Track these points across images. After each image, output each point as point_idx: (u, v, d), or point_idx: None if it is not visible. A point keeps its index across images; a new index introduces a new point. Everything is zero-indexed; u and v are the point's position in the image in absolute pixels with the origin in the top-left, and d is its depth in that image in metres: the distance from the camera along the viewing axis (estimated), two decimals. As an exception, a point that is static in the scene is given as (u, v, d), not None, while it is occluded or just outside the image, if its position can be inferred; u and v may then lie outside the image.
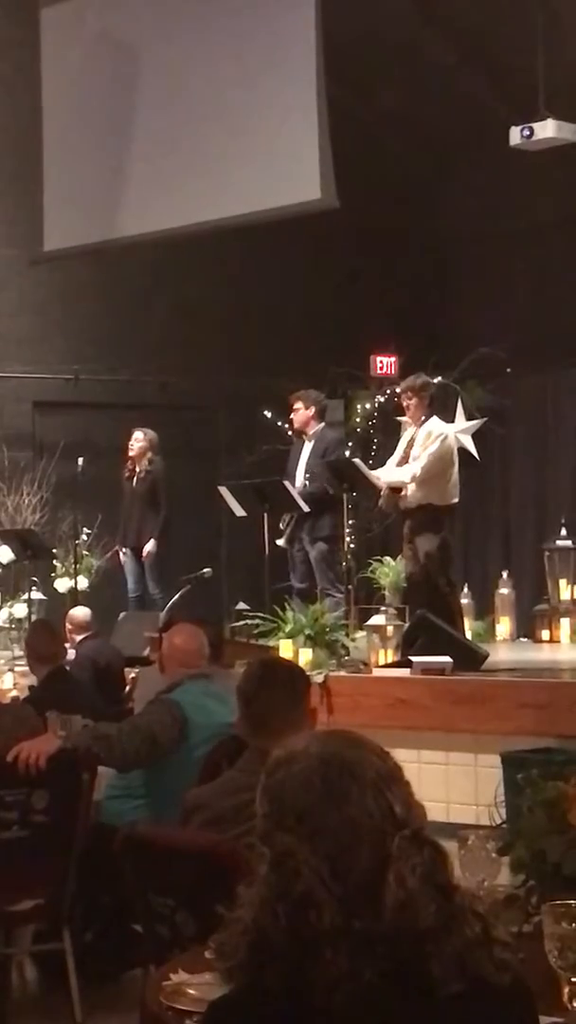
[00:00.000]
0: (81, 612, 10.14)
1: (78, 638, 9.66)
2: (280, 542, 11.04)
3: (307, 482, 10.99)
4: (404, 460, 10.26)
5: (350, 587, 10.79)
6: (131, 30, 13.06)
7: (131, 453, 12.59)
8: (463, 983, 1.88)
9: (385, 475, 10.15)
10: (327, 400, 12.10)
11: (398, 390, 11.12)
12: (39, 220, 13.65)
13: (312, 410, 11.35)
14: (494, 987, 1.91)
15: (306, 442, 11.37)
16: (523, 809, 3.17)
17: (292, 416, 11.48)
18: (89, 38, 13.34)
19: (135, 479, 12.55)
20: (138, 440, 12.60)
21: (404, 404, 10.46)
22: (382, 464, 10.73)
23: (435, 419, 10.37)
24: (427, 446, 10.08)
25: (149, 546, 12.29)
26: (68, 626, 9.40)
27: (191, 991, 2.65)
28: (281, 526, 11.02)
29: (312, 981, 1.85)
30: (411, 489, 10.06)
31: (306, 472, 11.08)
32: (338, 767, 1.97)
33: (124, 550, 12.55)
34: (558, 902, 2.45)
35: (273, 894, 1.89)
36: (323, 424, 11.50)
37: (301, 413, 11.34)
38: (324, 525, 10.97)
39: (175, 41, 12.62)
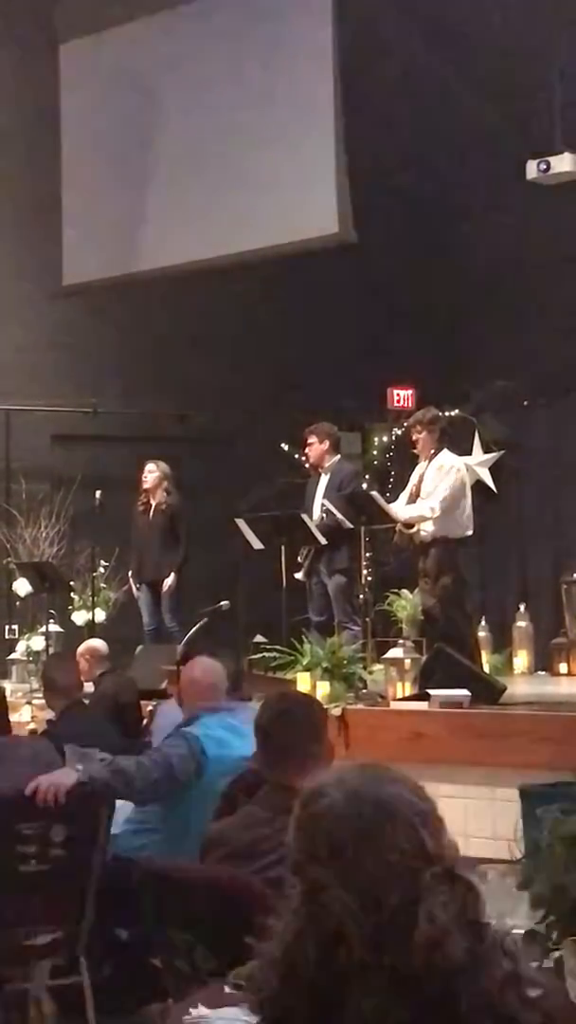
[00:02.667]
0: (99, 644, 10.13)
1: (96, 672, 9.64)
2: (299, 575, 11.05)
3: (324, 515, 11.00)
4: (415, 493, 10.26)
5: (367, 620, 10.78)
6: (149, 66, 13.15)
7: (145, 485, 12.60)
8: (492, 1021, 1.87)
9: (404, 512, 10.12)
10: (343, 433, 12.13)
11: (408, 424, 11.13)
12: (58, 254, 13.73)
13: (327, 443, 11.39)
14: None
15: (322, 475, 11.40)
16: (541, 844, 3.16)
17: (307, 451, 11.51)
18: (107, 74, 13.43)
19: (151, 511, 12.55)
20: (151, 472, 12.61)
21: (414, 438, 10.46)
22: (398, 497, 10.73)
23: (446, 452, 10.37)
24: (441, 479, 10.08)
25: (169, 580, 12.28)
26: (87, 658, 9.39)
27: (210, 1026, 2.64)
28: (299, 559, 11.03)
29: (340, 1016, 1.84)
30: (427, 523, 10.06)
31: (322, 505, 11.10)
32: (372, 802, 1.96)
33: (138, 584, 12.53)
34: (578, 938, 2.44)
35: (304, 927, 1.89)
36: (338, 457, 11.53)
37: (316, 447, 11.38)
38: (342, 558, 10.99)
39: (193, 76, 12.70)
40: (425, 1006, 1.85)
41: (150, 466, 12.65)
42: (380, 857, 1.91)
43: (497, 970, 1.89)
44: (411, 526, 10.06)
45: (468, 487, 10.38)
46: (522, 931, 2.93)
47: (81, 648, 9.49)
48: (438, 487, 10.04)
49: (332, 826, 1.95)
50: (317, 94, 11.68)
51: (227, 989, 2.91)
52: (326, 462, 11.36)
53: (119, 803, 5.65)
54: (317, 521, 10.98)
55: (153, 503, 12.57)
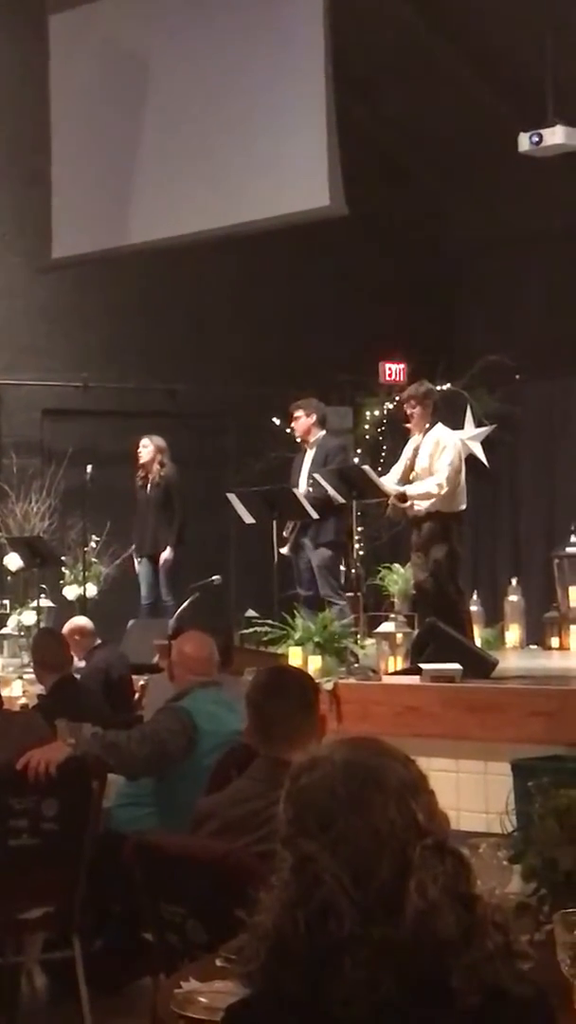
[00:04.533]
0: (83, 621, 10.11)
1: (87, 647, 9.63)
2: (283, 550, 11.03)
3: (310, 489, 10.98)
4: (410, 468, 10.24)
5: (359, 594, 10.78)
6: (139, 38, 13.08)
7: (141, 460, 12.59)
8: (482, 995, 1.86)
9: (411, 490, 10.09)
10: (334, 407, 12.12)
11: (401, 398, 11.11)
12: (47, 228, 13.66)
13: (313, 418, 11.38)
14: (514, 999, 1.90)
15: (307, 450, 11.39)
16: (534, 817, 3.16)
17: (293, 425, 11.50)
18: (97, 45, 13.35)
19: (148, 486, 12.55)
20: (145, 447, 12.60)
21: (408, 412, 10.43)
22: (390, 471, 10.72)
23: (440, 426, 10.35)
24: (440, 455, 10.06)
25: (166, 553, 12.29)
26: (76, 637, 9.37)
27: (202, 999, 2.64)
28: (284, 534, 11.02)
29: (330, 989, 1.84)
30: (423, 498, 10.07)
31: (309, 479, 11.08)
32: (362, 775, 1.96)
33: (139, 558, 12.55)
34: (570, 910, 2.44)
35: (294, 900, 1.89)
36: (324, 432, 11.51)
37: (302, 421, 11.37)
38: (328, 531, 10.97)
39: (183, 49, 12.63)
40: (415, 979, 1.85)
41: (144, 441, 12.65)
42: (370, 829, 1.91)
43: (488, 943, 1.89)
44: (406, 500, 10.04)
45: (463, 462, 10.37)
46: (514, 903, 2.93)
47: (67, 629, 9.47)
48: (439, 463, 10.02)
49: (322, 798, 1.95)
50: (308, 67, 11.61)
51: (218, 963, 2.90)
52: (312, 437, 11.35)
53: (111, 777, 5.65)
54: (303, 495, 10.96)
55: (150, 478, 12.56)
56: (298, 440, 11.70)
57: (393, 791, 1.95)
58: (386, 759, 2.00)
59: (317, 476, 10.85)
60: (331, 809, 1.93)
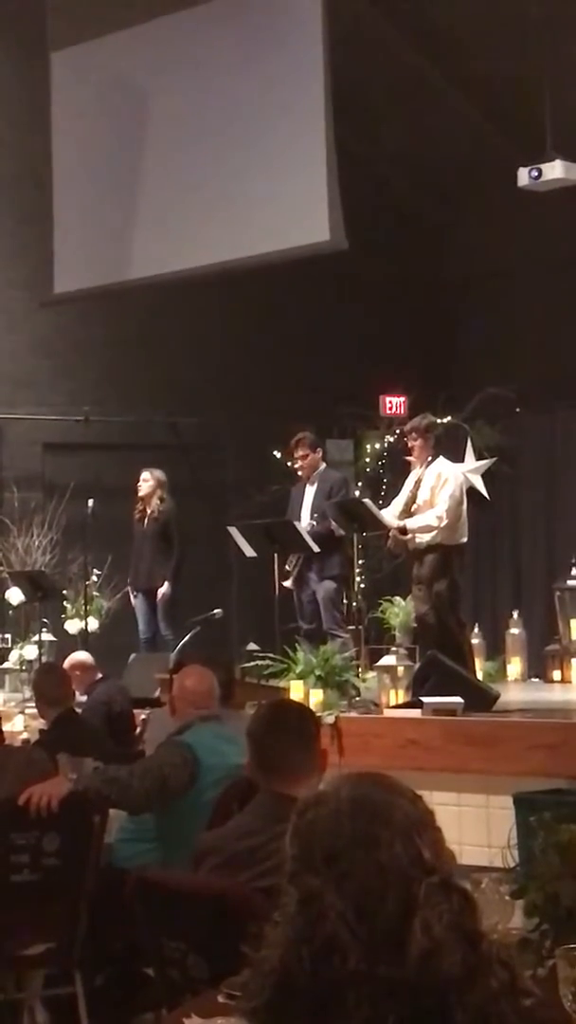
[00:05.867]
0: (84, 656, 10.09)
1: (88, 682, 9.61)
2: (287, 583, 11.04)
3: (315, 522, 11.00)
4: (411, 501, 10.25)
5: (360, 627, 10.78)
6: (140, 75, 13.15)
7: (140, 494, 12.61)
8: None
9: (411, 523, 10.11)
10: (334, 440, 12.16)
11: (403, 430, 11.13)
12: (49, 262, 13.71)
13: (319, 452, 11.48)
14: None
15: (307, 484, 11.41)
16: (536, 852, 3.15)
17: (301, 462, 11.50)
18: (99, 81, 13.42)
19: (146, 520, 12.55)
20: (146, 480, 12.61)
21: (409, 445, 10.45)
22: (391, 504, 10.73)
23: (442, 459, 10.37)
24: (441, 487, 10.08)
25: (163, 588, 12.28)
26: (77, 672, 9.35)
27: (204, 1036, 2.63)
28: (288, 567, 11.03)
29: None
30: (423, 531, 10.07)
31: (313, 512, 11.11)
32: (368, 811, 1.95)
33: (135, 592, 12.54)
34: (572, 946, 2.43)
35: (298, 936, 1.88)
36: (324, 465, 11.56)
37: (311, 457, 11.42)
38: (333, 564, 11.01)
39: (184, 85, 12.70)
40: (419, 1017, 1.84)
41: (145, 475, 12.66)
42: (376, 866, 1.90)
43: (492, 981, 1.88)
44: (407, 533, 10.06)
45: (464, 494, 10.38)
46: (516, 939, 2.92)
47: (67, 664, 9.45)
48: (440, 496, 10.03)
49: (328, 834, 1.94)
50: (308, 102, 11.67)
51: (220, 999, 2.90)
52: (315, 470, 11.42)
53: (112, 812, 5.64)
54: (307, 528, 10.99)
55: (148, 511, 12.56)
56: (299, 474, 11.72)
57: (399, 827, 1.94)
58: (393, 795, 1.99)
59: (325, 508, 10.91)
60: (336, 845, 1.93)
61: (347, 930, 1.86)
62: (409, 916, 1.87)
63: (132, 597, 12.59)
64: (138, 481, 12.68)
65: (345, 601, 11.45)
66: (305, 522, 11.09)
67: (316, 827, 1.96)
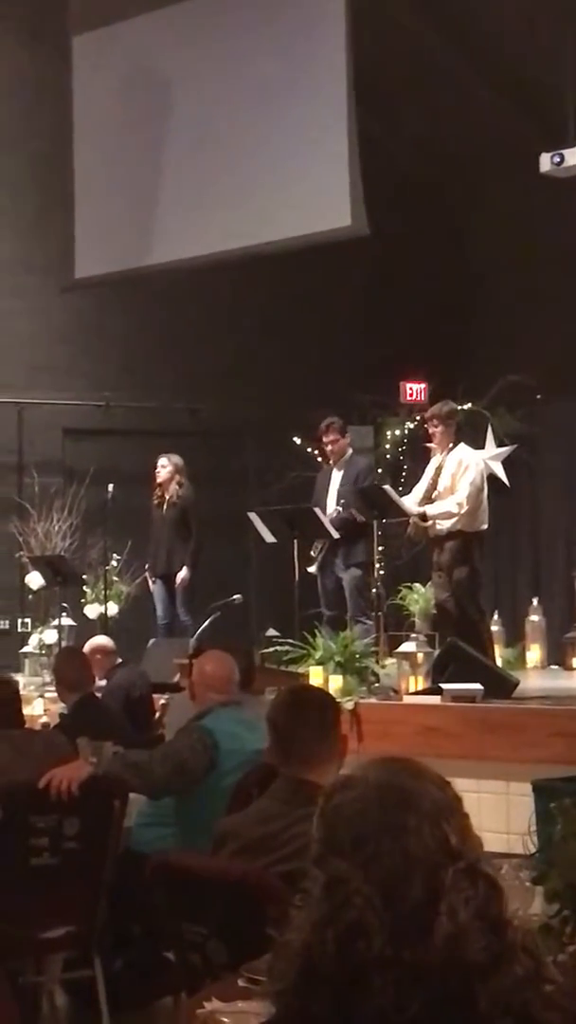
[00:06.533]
0: (105, 640, 10.12)
1: (108, 666, 9.63)
2: (311, 569, 11.06)
3: (340, 509, 11.01)
4: (432, 487, 10.25)
5: (380, 614, 10.78)
6: (161, 59, 13.14)
7: (159, 479, 12.61)
8: (510, 1021, 1.85)
9: (431, 509, 10.11)
10: (355, 426, 12.17)
11: (424, 417, 11.13)
12: (70, 248, 13.72)
13: (348, 438, 11.50)
14: None
15: (334, 469, 11.41)
16: (556, 838, 3.15)
17: (330, 447, 11.51)
18: (119, 66, 13.41)
19: (164, 505, 12.55)
20: (164, 466, 12.61)
21: (430, 431, 10.45)
22: (411, 491, 10.72)
23: (463, 446, 10.36)
24: (462, 474, 10.06)
25: (182, 574, 12.29)
26: (97, 656, 9.37)
27: (224, 1019, 2.64)
28: (313, 553, 11.04)
29: (357, 1010, 1.83)
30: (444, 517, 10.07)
31: (339, 498, 11.11)
32: (396, 795, 1.95)
33: (153, 578, 12.55)
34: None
35: (323, 919, 1.88)
36: (351, 451, 11.57)
37: (340, 442, 11.45)
38: (359, 551, 11.02)
39: (205, 69, 12.68)
40: (443, 1003, 1.84)
41: (162, 460, 12.66)
42: (402, 851, 1.90)
43: (517, 968, 1.87)
44: (427, 520, 10.05)
45: (485, 481, 10.37)
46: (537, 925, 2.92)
47: (87, 648, 9.46)
48: (461, 483, 10.02)
49: (356, 818, 1.94)
50: (330, 86, 11.65)
51: (240, 983, 2.90)
52: (342, 456, 11.44)
53: (132, 796, 5.65)
54: (332, 515, 10.99)
55: (166, 497, 12.57)
56: (322, 459, 11.73)
57: (427, 813, 1.93)
58: (421, 781, 1.99)
59: (343, 497, 10.92)
60: (364, 829, 1.92)
61: (373, 914, 1.86)
62: (435, 902, 1.87)
63: (150, 583, 12.60)
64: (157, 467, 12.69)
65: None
66: (331, 508, 11.11)
67: (343, 811, 1.95)
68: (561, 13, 12.52)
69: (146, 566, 12.74)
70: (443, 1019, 1.84)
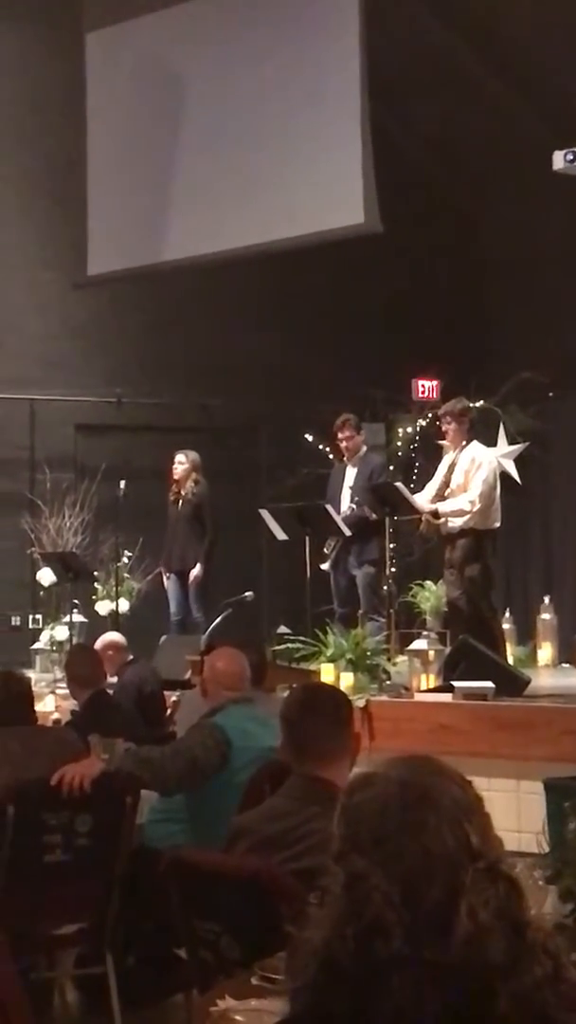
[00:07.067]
0: (117, 636, 10.12)
1: (120, 663, 9.63)
2: (324, 566, 11.06)
3: (354, 506, 11.01)
4: (445, 485, 10.24)
5: (392, 611, 10.78)
6: (175, 56, 13.14)
7: (175, 476, 12.59)
8: (530, 1021, 1.85)
9: (443, 507, 10.11)
10: (367, 423, 12.18)
11: (438, 414, 11.13)
12: (83, 244, 13.73)
13: (363, 435, 11.52)
14: None
15: (348, 466, 11.42)
16: (567, 837, 3.15)
17: (345, 443, 11.52)
18: (133, 63, 13.42)
19: (180, 502, 12.55)
20: (181, 463, 12.60)
21: (444, 428, 10.45)
22: (423, 488, 10.72)
23: (476, 443, 10.36)
24: (475, 472, 10.06)
25: (195, 570, 12.28)
26: (109, 652, 9.38)
27: (238, 1017, 2.64)
28: (326, 550, 11.05)
29: (376, 1008, 1.83)
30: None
31: (354, 496, 11.12)
32: (418, 793, 1.95)
33: (168, 574, 12.55)
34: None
35: (344, 917, 1.87)
36: (365, 448, 11.58)
37: (355, 438, 11.46)
38: (372, 549, 11.03)
39: (219, 66, 12.68)
40: (462, 1002, 1.84)
41: (179, 456, 12.64)
42: (423, 850, 1.90)
43: (537, 969, 1.87)
44: (439, 517, 10.05)
45: (497, 479, 10.37)
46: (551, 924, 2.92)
47: (100, 644, 9.47)
48: (474, 480, 10.02)
49: (376, 816, 1.94)
50: (343, 84, 11.65)
51: (254, 981, 2.90)
52: (357, 453, 11.46)
53: (144, 793, 5.65)
54: (345, 512, 11.00)
55: (182, 493, 12.56)
56: (335, 456, 11.73)
57: (448, 812, 1.93)
58: (442, 779, 1.99)
59: (355, 494, 10.94)
60: (385, 827, 1.92)
61: (393, 912, 1.85)
62: (455, 901, 1.86)
63: (164, 578, 12.59)
64: (169, 463, 12.68)
65: (377, 585, 11.46)
66: (345, 504, 11.11)
67: (364, 808, 1.95)
68: (575, 11, 12.49)
69: (161, 562, 12.73)
70: (462, 1019, 1.83)
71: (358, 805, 1.96)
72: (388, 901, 1.86)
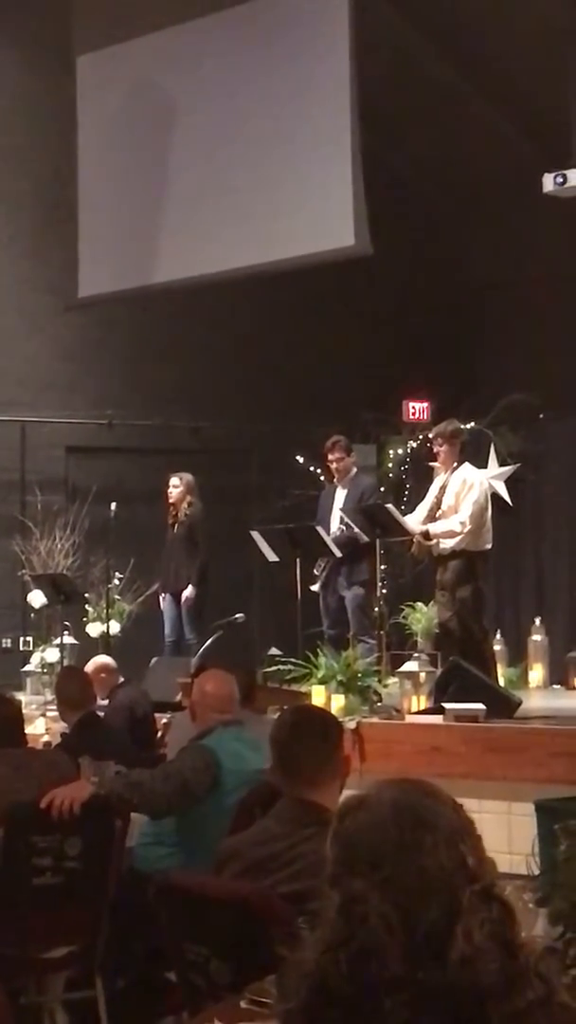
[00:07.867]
0: (106, 659, 10.11)
1: (110, 685, 9.62)
2: (314, 587, 11.06)
3: (343, 527, 11.01)
4: (436, 506, 10.24)
5: (382, 633, 10.78)
6: (166, 78, 13.16)
7: (170, 499, 12.59)
8: None
9: (434, 528, 10.11)
10: (358, 445, 12.20)
11: (429, 436, 11.14)
12: (74, 267, 13.73)
13: (354, 456, 11.53)
14: None
15: (339, 488, 11.42)
16: (558, 859, 3.14)
17: (335, 465, 11.53)
18: (124, 86, 13.44)
19: (175, 524, 12.54)
20: (175, 486, 12.60)
21: (435, 450, 10.46)
22: (414, 510, 10.73)
23: (467, 465, 10.37)
24: (466, 493, 10.06)
25: (188, 591, 12.28)
26: (100, 675, 9.36)
27: (227, 1042, 2.63)
28: (316, 571, 11.05)
29: None
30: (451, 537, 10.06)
31: (343, 517, 11.12)
32: (413, 816, 1.94)
33: (164, 595, 12.54)
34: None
35: (338, 939, 1.87)
36: (356, 470, 11.59)
37: (346, 460, 11.48)
38: (362, 570, 11.03)
39: (209, 89, 12.70)
40: None
41: (173, 479, 12.64)
42: (420, 871, 1.89)
43: (530, 992, 1.86)
44: (430, 538, 10.05)
45: (488, 500, 10.37)
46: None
47: (91, 667, 9.46)
48: (465, 502, 10.02)
49: (372, 838, 1.93)
50: (334, 107, 11.67)
51: (243, 1004, 2.89)
52: (347, 474, 11.47)
53: (134, 816, 5.64)
54: (335, 533, 11.00)
55: (178, 515, 12.56)
56: (325, 477, 11.74)
57: (444, 834, 1.93)
58: (435, 801, 1.98)
59: (344, 515, 10.92)
60: (381, 849, 1.91)
61: (388, 935, 1.85)
62: (452, 923, 1.86)
63: (160, 599, 12.59)
64: (161, 485, 12.68)
65: (368, 607, 11.46)
66: (335, 526, 11.12)
67: (360, 831, 1.95)
68: (564, 34, 12.54)
69: (158, 583, 12.72)
70: None
71: (352, 828, 1.96)
72: (386, 923, 1.85)
